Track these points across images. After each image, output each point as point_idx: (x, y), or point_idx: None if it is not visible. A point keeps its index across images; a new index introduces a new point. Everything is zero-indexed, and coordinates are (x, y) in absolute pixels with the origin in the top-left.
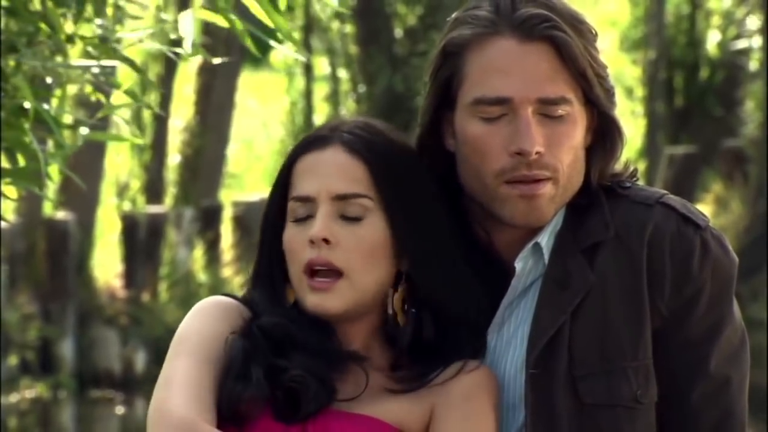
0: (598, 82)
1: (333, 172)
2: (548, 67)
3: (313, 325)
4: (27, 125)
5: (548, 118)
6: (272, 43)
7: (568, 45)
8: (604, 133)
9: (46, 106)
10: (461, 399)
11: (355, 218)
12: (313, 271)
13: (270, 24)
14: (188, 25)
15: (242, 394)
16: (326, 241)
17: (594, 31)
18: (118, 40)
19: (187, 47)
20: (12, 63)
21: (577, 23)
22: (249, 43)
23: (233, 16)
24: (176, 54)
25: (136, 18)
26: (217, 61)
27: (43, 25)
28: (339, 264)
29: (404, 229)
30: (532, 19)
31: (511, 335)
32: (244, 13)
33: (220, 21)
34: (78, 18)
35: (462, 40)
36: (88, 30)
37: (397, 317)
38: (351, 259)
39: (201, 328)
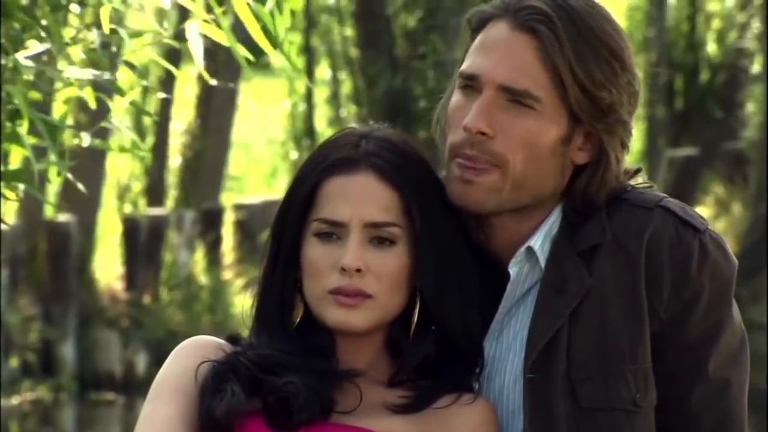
0: (582, 92)
1: (365, 199)
2: (527, 58)
3: (311, 348)
4: (22, 129)
5: (514, 108)
6: (269, 54)
7: (549, 43)
8: (598, 157)
9: (43, 114)
10: None
11: (385, 244)
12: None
13: (265, 45)
14: (195, 38)
15: (216, 406)
16: (358, 270)
17: (611, 48)
18: (118, 47)
19: (198, 62)
20: (8, 68)
21: (586, 31)
22: (243, 59)
23: (231, 34)
24: (176, 65)
25: (138, 33)
26: (215, 76)
27: (41, 30)
28: (369, 291)
29: (428, 254)
30: (526, 9)
31: (511, 341)
32: (242, 30)
33: (222, 38)
34: (63, 15)
35: (484, 15)
36: (82, 35)
37: (411, 331)
38: (380, 285)
39: (171, 368)
